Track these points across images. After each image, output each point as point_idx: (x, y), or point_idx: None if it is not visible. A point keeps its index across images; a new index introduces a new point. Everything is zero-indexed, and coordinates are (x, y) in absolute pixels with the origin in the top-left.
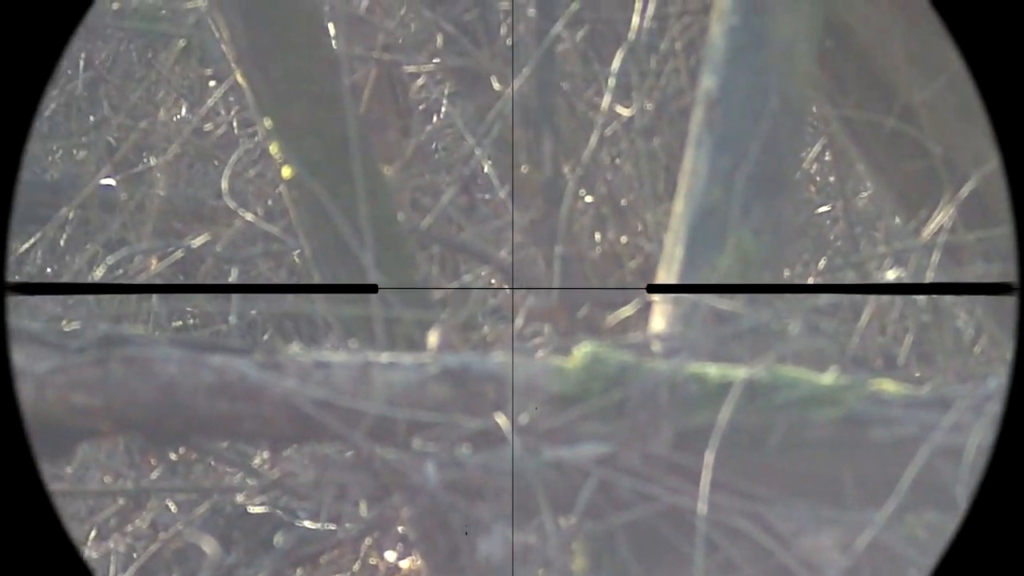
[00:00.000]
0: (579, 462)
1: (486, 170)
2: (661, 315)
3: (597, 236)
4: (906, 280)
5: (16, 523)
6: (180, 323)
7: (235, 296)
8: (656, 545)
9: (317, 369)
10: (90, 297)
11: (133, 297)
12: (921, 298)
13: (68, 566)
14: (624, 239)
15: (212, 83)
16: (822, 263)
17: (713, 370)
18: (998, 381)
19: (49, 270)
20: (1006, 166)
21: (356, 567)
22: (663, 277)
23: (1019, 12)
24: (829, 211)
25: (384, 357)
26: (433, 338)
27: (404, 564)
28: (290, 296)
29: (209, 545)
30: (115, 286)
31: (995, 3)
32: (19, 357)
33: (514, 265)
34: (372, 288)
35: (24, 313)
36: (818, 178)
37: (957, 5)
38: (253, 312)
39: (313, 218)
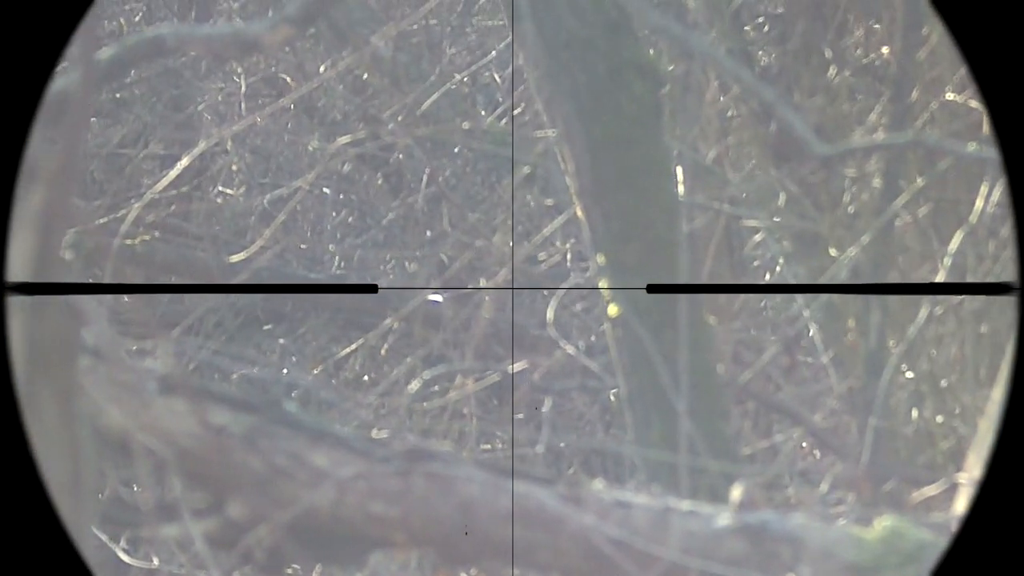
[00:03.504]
0: None
1: (811, 333)
2: (967, 498)
3: (914, 413)
4: None
5: (16, 523)
6: (488, 446)
7: (545, 425)
8: None
9: (617, 508)
10: (402, 409)
11: (446, 415)
12: None
13: (68, 567)
14: (940, 418)
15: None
16: None
17: None
18: None
19: (366, 377)
20: (1006, 166)
21: None
22: (972, 460)
23: (1019, 12)
24: None
25: (685, 505)
26: (736, 492)
27: None
28: (599, 435)
29: None
30: (126, 287)
31: (995, 3)
32: (322, 460)
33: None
34: (372, 288)
35: (336, 417)
36: None
37: (957, 5)
38: (562, 445)
39: (633, 359)
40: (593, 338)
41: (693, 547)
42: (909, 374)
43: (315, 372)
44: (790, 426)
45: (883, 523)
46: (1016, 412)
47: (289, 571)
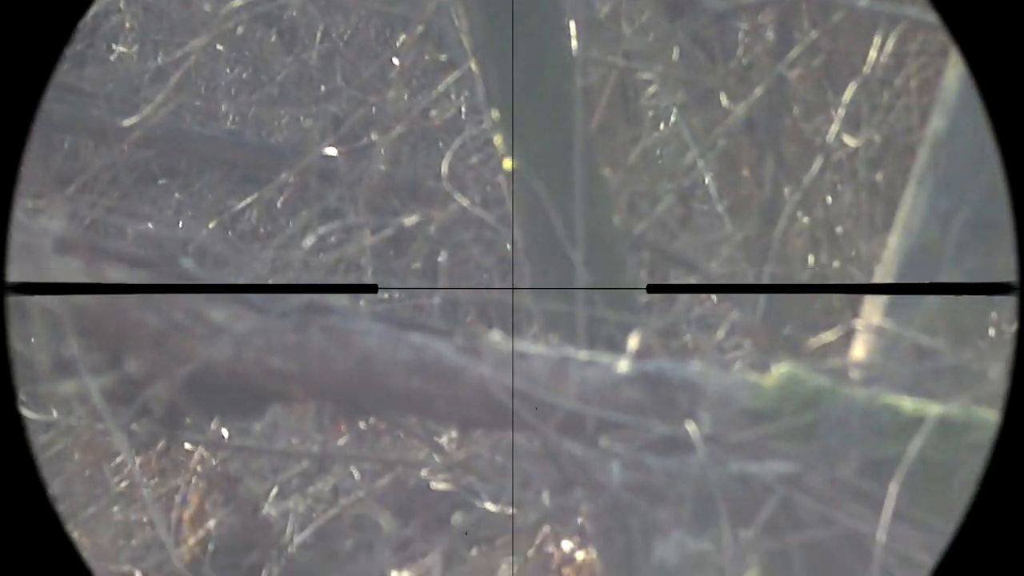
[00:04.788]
0: (764, 478)
1: (706, 182)
2: (863, 344)
3: (810, 259)
4: None
5: (16, 525)
6: (387, 296)
7: (441, 276)
8: (831, 568)
9: (515, 359)
10: (297, 262)
11: (342, 268)
12: None
13: (67, 567)
14: (836, 264)
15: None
16: None
17: (908, 403)
18: None
19: (262, 230)
20: (1006, 166)
21: (531, 553)
22: (869, 307)
23: (1019, 12)
24: None
25: (582, 354)
26: (633, 341)
27: (579, 556)
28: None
29: (386, 521)
30: (123, 286)
31: (995, 3)
32: (219, 315)
33: (514, 265)
34: (372, 288)
35: (232, 272)
36: None
37: (957, 5)
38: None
39: (528, 212)
40: (488, 189)
41: (591, 396)
42: (805, 220)
43: (210, 226)
44: (686, 275)
45: (780, 369)
46: (1016, 412)
47: (187, 423)
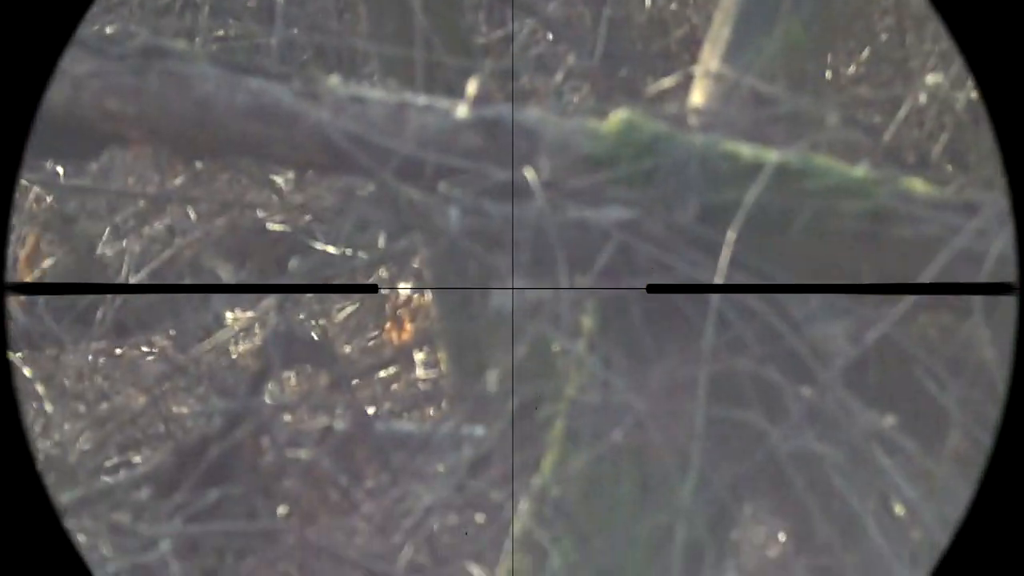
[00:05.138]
0: (602, 224)
1: None
2: (702, 90)
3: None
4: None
5: (16, 526)
6: (222, 32)
7: (279, 18)
8: (668, 315)
9: (353, 103)
10: (135, 2)
11: (176, 6)
12: (961, 99)
13: (67, 567)
14: (673, 6)
15: None
16: (865, 54)
17: (746, 150)
18: None
19: None
20: (1006, 166)
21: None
22: (707, 53)
23: (1019, 12)
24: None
25: (421, 100)
26: (471, 87)
27: (415, 299)
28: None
29: (223, 269)
30: (118, 286)
31: (995, 3)
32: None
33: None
34: (372, 288)
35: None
36: None
37: (957, 5)
38: (295, 31)
39: None
40: None
41: (429, 141)
42: None
43: None
44: (523, 17)
45: (618, 115)
46: (1016, 412)
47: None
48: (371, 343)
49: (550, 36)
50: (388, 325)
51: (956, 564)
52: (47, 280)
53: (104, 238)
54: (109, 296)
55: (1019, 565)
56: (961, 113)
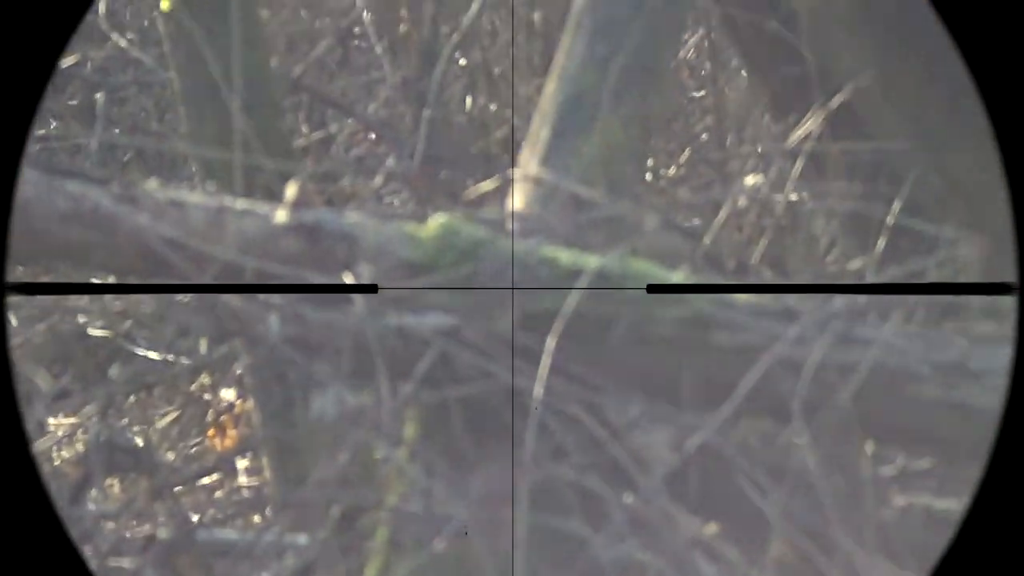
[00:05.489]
0: (422, 331)
1: (366, 22)
2: (521, 194)
3: (468, 101)
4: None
5: (16, 526)
6: (43, 131)
7: (99, 120)
8: (489, 422)
9: (172, 208)
10: None
11: None
12: (780, 200)
13: (68, 566)
14: (493, 107)
15: None
16: (685, 156)
17: (565, 255)
18: (843, 301)
19: None
20: (1006, 165)
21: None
22: (527, 155)
23: (1019, 12)
24: (701, 99)
25: (240, 204)
26: (291, 190)
27: (237, 404)
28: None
29: (41, 377)
30: (113, 286)
31: (995, 3)
32: None
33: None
34: (372, 288)
35: None
36: (694, 64)
37: (957, 5)
38: (116, 131)
39: (187, 54)
40: (147, 25)
41: (249, 246)
42: (463, 62)
43: None
44: (343, 118)
45: (438, 220)
46: (1016, 412)
47: None
48: (194, 449)
49: (372, 136)
50: (211, 432)
51: (956, 564)
52: None
53: None
54: None
55: (1019, 565)
56: (781, 216)
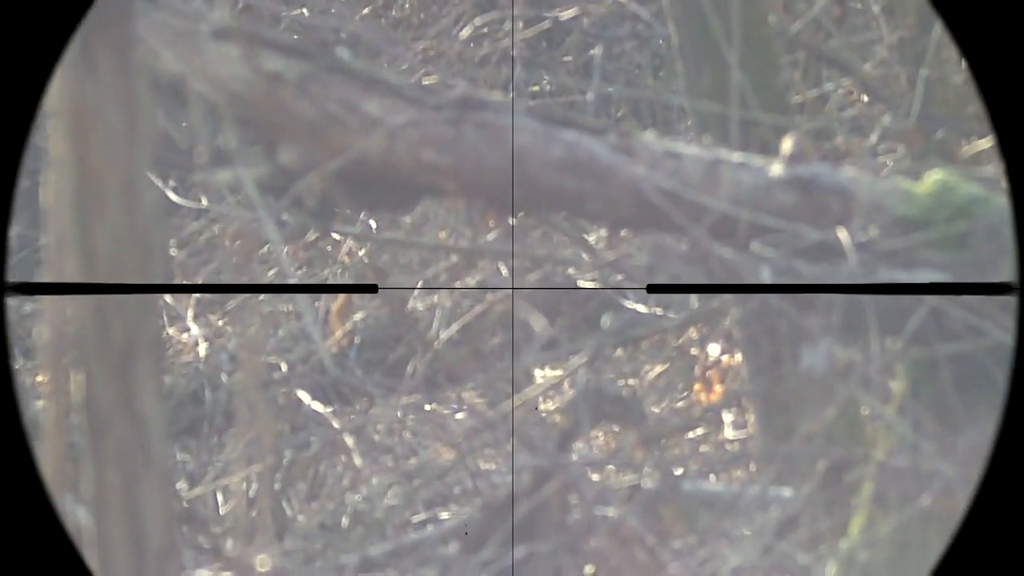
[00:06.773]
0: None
1: None
2: None
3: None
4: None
5: (16, 526)
6: (536, 88)
7: (595, 72)
8: (978, 381)
9: (668, 159)
10: (452, 52)
11: (492, 60)
12: None
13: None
14: None
15: None
16: None
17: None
18: None
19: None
20: (1006, 165)
21: (676, 355)
22: None
23: (1019, 12)
24: None
25: (736, 157)
26: (787, 144)
27: (724, 359)
28: (649, 83)
29: (537, 322)
30: (117, 286)
31: (995, 3)
32: (374, 107)
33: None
34: (372, 288)
35: (385, 63)
36: None
37: (957, 5)
38: (610, 89)
39: (684, 9)
40: None
41: (743, 198)
42: None
43: (363, 13)
44: (839, 76)
45: (933, 176)
46: (1016, 412)
47: (337, 214)
48: (680, 403)
49: (865, 98)
50: (697, 386)
51: (956, 564)
52: (358, 332)
53: (415, 294)
54: (419, 350)
55: (1019, 565)
56: None
